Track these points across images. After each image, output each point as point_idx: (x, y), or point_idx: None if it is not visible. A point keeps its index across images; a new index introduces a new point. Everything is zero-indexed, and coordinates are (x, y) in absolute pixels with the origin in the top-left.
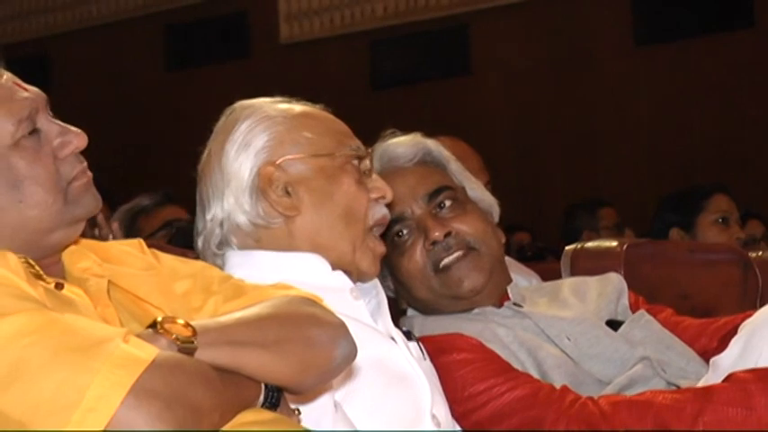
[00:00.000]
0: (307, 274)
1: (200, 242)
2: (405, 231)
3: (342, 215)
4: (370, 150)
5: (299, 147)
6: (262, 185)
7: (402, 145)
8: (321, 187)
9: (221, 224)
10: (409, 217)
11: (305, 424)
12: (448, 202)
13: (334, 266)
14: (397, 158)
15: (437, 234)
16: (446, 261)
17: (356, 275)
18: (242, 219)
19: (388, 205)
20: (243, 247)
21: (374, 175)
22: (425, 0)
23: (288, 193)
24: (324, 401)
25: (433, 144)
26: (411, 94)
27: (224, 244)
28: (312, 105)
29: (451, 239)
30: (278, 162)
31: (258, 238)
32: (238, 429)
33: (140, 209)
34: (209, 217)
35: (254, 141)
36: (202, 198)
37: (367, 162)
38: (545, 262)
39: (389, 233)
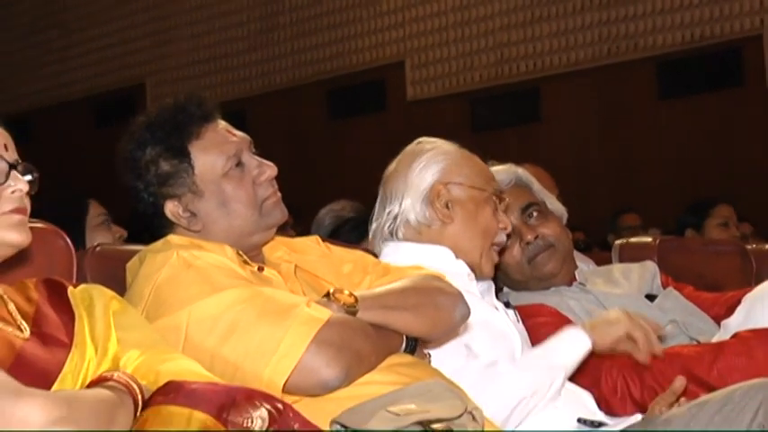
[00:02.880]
0: (438, 261)
1: (374, 226)
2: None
3: (480, 232)
4: (506, 196)
5: (462, 177)
6: (431, 197)
7: (501, 173)
8: (470, 210)
9: (395, 217)
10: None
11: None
12: (535, 214)
13: (459, 259)
14: (498, 183)
15: (529, 237)
16: (535, 255)
17: (478, 274)
18: (412, 216)
19: None
20: (407, 235)
21: (501, 212)
22: (509, 69)
23: (447, 206)
24: (455, 346)
25: (521, 171)
26: (500, 136)
27: (391, 232)
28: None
29: (539, 241)
30: (446, 183)
31: (420, 232)
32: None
33: None
34: (387, 210)
35: (434, 165)
36: (384, 196)
37: (502, 205)
38: (592, 252)
39: None
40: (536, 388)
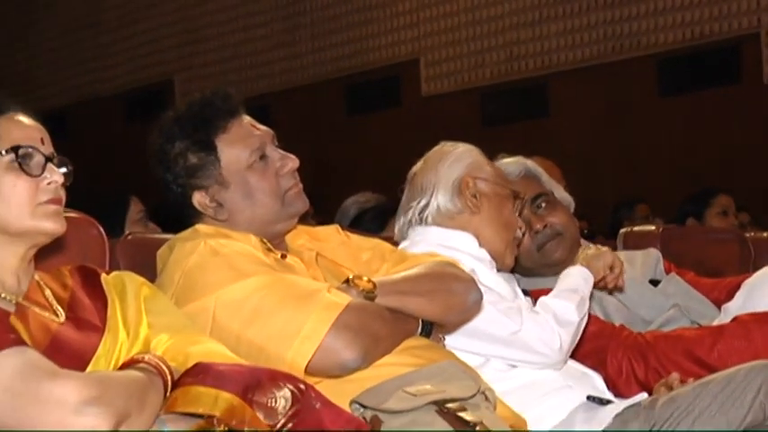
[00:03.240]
0: (463, 246)
1: (402, 218)
2: None
3: (504, 225)
4: (524, 197)
5: (486, 174)
6: (461, 187)
7: (511, 165)
8: (495, 203)
9: (424, 207)
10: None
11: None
12: (544, 204)
13: (482, 248)
14: (509, 174)
15: (538, 226)
16: (544, 243)
17: (499, 264)
18: (442, 204)
19: None
20: (435, 221)
21: (515, 213)
22: (518, 66)
23: (475, 198)
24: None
25: (530, 163)
26: (509, 129)
27: (420, 219)
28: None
29: (548, 229)
30: (474, 177)
31: (449, 218)
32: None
33: None
34: (415, 202)
35: (463, 160)
36: (413, 190)
37: (517, 205)
38: (597, 240)
39: None
40: (581, 315)
